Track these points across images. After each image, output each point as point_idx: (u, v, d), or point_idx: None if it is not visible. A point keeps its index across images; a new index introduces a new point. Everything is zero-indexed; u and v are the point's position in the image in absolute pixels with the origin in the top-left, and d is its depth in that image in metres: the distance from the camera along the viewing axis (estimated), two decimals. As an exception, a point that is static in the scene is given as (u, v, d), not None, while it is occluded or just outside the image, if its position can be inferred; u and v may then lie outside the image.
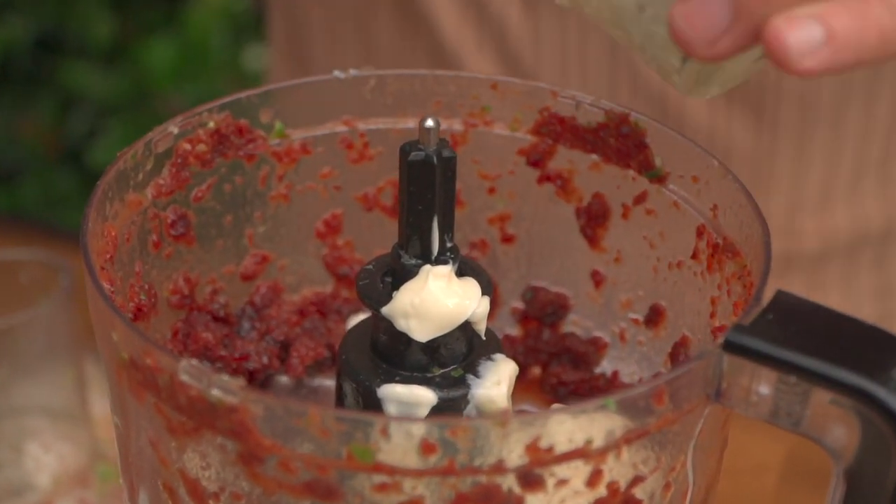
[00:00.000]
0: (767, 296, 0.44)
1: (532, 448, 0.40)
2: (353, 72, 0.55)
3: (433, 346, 0.47)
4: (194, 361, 0.40)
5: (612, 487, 0.42)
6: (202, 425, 0.41)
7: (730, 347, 0.42)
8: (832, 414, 0.42)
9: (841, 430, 0.42)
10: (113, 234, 0.49)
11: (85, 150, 2.30)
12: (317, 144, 0.55)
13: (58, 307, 0.79)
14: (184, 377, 0.40)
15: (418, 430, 0.39)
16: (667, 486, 0.44)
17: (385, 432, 0.39)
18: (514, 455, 0.40)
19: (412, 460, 0.39)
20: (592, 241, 0.56)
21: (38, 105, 2.37)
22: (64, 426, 0.83)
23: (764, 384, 0.42)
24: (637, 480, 0.43)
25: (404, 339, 0.47)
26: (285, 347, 0.55)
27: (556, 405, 0.55)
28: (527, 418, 0.40)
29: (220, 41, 2.07)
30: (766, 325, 0.42)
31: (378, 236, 0.58)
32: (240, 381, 0.40)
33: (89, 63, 2.22)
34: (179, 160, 0.52)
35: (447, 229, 0.47)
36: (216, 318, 0.55)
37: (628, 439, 0.41)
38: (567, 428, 0.40)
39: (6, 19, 2.25)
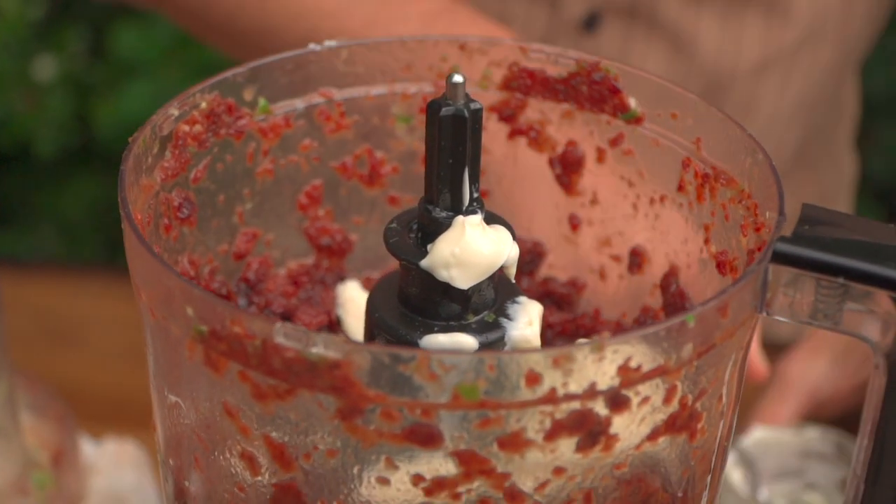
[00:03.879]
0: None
1: (623, 369, 0.41)
2: (327, 43, 0.55)
3: (467, 295, 0.48)
4: (290, 325, 0.40)
5: (683, 402, 0.44)
6: (298, 385, 0.41)
7: (778, 258, 0.44)
8: (866, 309, 0.45)
9: (876, 323, 0.45)
10: (139, 218, 0.49)
11: None
12: (297, 118, 0.56)
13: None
14: (280, 339, 0.40)
15: (525, 361, 0.40)
16: (719, 398, 0.46)
17: (493, 368, 0.40)
18: (607, 377, 0.41)
19: (516, 393, 0.40)
20: (568, 187, 0.58)
21: None
22: (-6, 440, 0.80)
23: (805, 290, 0.45)
24: (701, 394, 0.45)
25: (440, 290, 0.48)
26: (286, 318, 0.55)
27: (637, 328, 0.56)
28: (619, 339, 0.40)
29: (8, 53, 2.01)
30: (804, 236, 0.45)
31: (356, 204, 0.58)
32: (342, 336, 0.40)
33: None
34: (180, 142, 0.52)
35: (475, 180, 0.48)
36: (219, 297, 0.54)
37: (699, 353, 0.43)
38: (644, 349, 0.42)
39: None
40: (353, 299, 0.56)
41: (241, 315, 0.41)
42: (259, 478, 0.45)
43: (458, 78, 0.46)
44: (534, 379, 0.40)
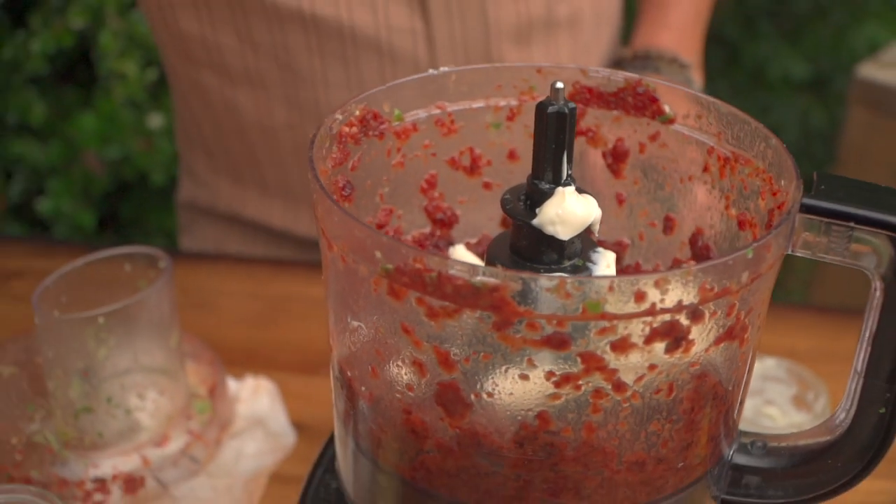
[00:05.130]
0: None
1: (702, 289, 0.41)
2: (442, 69, 0.55)
3: (564, 245, 0.48)
4: (459, 260, 0.40)
5: (738, 316, 0.44)
6: (463, 305, 0.41)
7: (804, 209, 0.45)
8: (865, 246, 0.45)
9: (873, 256, 0.45)
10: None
11: (27, 205, 2.20)
12: (421, 124, 0.55)
13: (163, 287, 0.76)
14: (453, 271, 0.40)
15: (636, 283, 0.40)
16: (759, 315, 0.47)
17: (612, 288, 0.40)
18: (690, 296, 0.41)
19: (627, 307, 0.40)
20: (616, 172, 0.58)
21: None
22: (164, 380, 0.80)
23: (821, 233, 0.45)
24: (749, 311, 0.45)
25: (545, 242, 0.48)
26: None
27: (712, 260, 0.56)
28: (701, 267, 0.40)
29: (130, 107, 2.01)
30: (821, 193, 0.45)
31: (460, 188, 0.58)
32: (499, 268, 0.40)
33: (26, 137, 2.12)
34: (343, 139, 0.52)
35: (570, 161, 0.48)
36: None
37: (752, 279, 0.43)
38: (714, 275, 0.42)
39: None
40: (460, 258, 0.56)
41: (422, 254, 0.41)
42: (426, 378, 0.44)
43: (559, 84, 0.47)
44: (640, 296, 0.40)
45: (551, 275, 0.40)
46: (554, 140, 0.47)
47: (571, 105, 0.47)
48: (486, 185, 0.58)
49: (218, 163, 1.11)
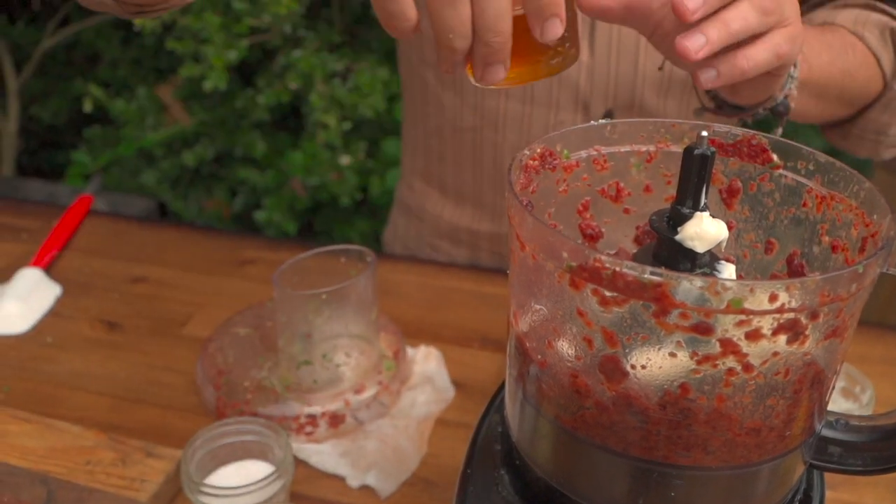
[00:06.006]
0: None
1: (822, 294, 0.39)
2: (601, 121, 0.54)
3: (696, 257, 0.46)
4: (631, 262, 0.39)
5: (843, 318, 0.41)
6: (631, 296, 0.39)
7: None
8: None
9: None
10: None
11: (247, 216, 2.25)
12: (582, 161, 0.54)
13: (370, 276, 0.76)
14: (626, 270, 0.39)
15: (770, 286, 0.38)
16: (856, 317, 0.43)
17: (753, 290, 0.37)
18: (812, 298, 0.39)
19: (763, 305, 0.38)
20: (728, 205, 0.55)
21: (216, 191, 2.31)
22: (364, 344, 0.80)
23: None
24: (852, 315, 0.42)
25: (683, 254, 0.46)
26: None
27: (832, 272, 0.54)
28: (823, 277, 0.38)
29: (327, 149, 2.04)
30: (914, 226, 0.42)
31: (606, 211, 0.56)
32: (661, 269, 0.38)
33: (249, 166, 2.17)
34: (527, 169, 0.50)
35: (706, 192, 0.46)
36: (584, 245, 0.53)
37: (858, 289, 0.40)
38: (831, 285, 0.39)
39: (199, 144, 2.20)
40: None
41: (601, 256, 0.39)
42: (592, 352, 0.43)
43: (704, 133, 0.45)
44: (774, 297, 0.38)
45: (703, 277, 0.37)
46: (696, 175, 0.45)
47: (712, 149, 0.45)
48: (626, 211, 0.56)
49: (416, 163, 1.09)
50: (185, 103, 2.18)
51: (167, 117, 2.21)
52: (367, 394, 0.78)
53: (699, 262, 0.47)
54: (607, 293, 0.40)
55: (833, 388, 0.46)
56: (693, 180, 0.45)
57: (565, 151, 0.53)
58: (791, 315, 0.39)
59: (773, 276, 0.54)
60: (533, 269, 0.44)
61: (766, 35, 0.56)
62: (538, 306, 0.45)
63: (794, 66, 0.70)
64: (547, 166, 0.52)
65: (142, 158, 2.27)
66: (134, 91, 2.21)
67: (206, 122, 2.16)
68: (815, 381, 0.43)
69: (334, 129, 1.87)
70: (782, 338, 0.39)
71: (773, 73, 0.61)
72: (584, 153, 0.54)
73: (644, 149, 0.55)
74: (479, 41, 0.51)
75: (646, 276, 0.38)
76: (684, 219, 0.46)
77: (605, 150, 0.54)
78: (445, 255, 1.10)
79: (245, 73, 2.16)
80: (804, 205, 0.51)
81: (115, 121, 2.23)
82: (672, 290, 0.38)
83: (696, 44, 0.54)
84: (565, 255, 0.41)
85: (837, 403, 0.76)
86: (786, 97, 0.70)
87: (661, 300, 0.38)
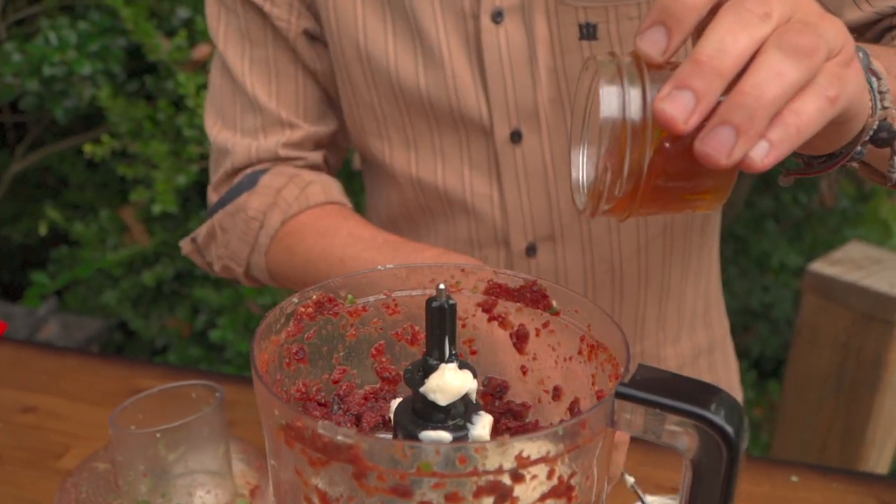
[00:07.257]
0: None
1: (518, 457, 0.38)
2: (388, 266, 0.54)
3: (447, 409, 0.45)
4: (326, 422, 0.38)
5: (560, 479, 0.40)
6: (331, 458, 0.38)
7: (619, 395, 0.41)
8: (678, 430, 0.41)
9: (685, 439, 0.41)
10: (265, 358, 0.47)
11: (206, 334, 2.25)
12: (370, 306, 0.54)
13: (215, 411, 0.75)
14: (321, 431, 0.38)
15: (456, 450, 0.37)
16: (588, 477, 0.42)
17: (438, 453, 0.37)
18: (508, 462, 0.38)
19: (453, 468, 0.37)
20: (520, 349, 0.54)
21: (178, 310, 2.32)
22: (217, 479, 0.78)
23: (637, 414, 0.41)
24: (573, 475, 0.41)
25: (431, 405, 0.45)
26: (358, 418, 0.53)
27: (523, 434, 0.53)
28: (515, 439, 0.37)
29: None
30: (637, 382, 0.41)
31: (403, 355, 0.56)
32: (353, 431, 0.37)
33: (207, 285, 2.19)
34: (298, 317, 0.50)
35: (452, 343, 0.46)
36: (320, 404, 0.52)
37: (569, 450, 0.39)
38: (535, 445, 0.38)
39: (160, 264, 2.22)
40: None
41: (301, 416, 0.39)
42: (315, 511, 0.42)
43: (442, 286, 0.45)
44: (463, 460, 0.37)
45: (391, 440, 0.37)
46: (438, 327, 0.45)
47: (452, 301, 0.45)
48: (423, 353, 0.56)
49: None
50: (145, 224, 2.21)
51: (128, 238, 2.24)
52: (216, 535, 0.75)
53: (452, 414, 0.46)
54: (312, 454, 0.39)
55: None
56: (436, 332, 0.45)
57: (350, 296, 0.53)
58: (490, 477, 0.38)
59: (561, 423, 0.53)
60: (266, 425, 0.44)
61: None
62: (273, 462, 0.44)
63: (878, 77, 0.52)
64: (328, 312, 0.52)
65: (104, 278, 2.29)
66: (98, 213, 2.25)
67: (167, 242, 2.19)
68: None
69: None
70: (487, 500, 0.38)
71: (837, 120, 0.46)
72: (371, 297, 0.54)
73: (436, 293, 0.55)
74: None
75: (339, 437, 0.38)
76: (431, 370, 0.45)
77: (394, 293, 0.54)
78: None
79: (203, 194, 2.20)
80: (580, 352, 0.51)
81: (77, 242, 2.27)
82: (364, 452, 0.37)
83: (722, 144, 0.39)
84: (277, 412, 0.40)
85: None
86: (885, 119, 0.52)
87: (356, 462, 0.38)
